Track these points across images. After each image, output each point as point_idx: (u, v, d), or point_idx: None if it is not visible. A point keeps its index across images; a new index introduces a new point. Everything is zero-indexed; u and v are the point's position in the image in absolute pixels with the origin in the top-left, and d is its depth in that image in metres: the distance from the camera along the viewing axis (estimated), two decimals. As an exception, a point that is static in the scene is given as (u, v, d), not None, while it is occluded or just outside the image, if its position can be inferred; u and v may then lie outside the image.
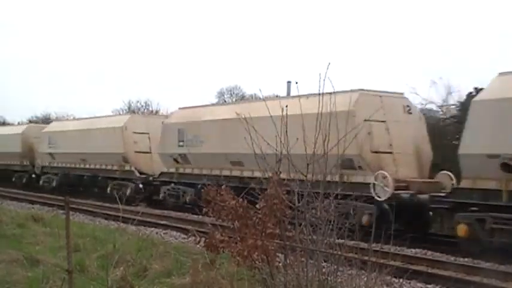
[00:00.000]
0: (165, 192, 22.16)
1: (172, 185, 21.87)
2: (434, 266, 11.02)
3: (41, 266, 8.33)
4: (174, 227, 16.14)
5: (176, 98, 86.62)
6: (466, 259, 11.81)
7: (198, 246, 6.93)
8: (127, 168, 24.62)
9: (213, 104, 26.71)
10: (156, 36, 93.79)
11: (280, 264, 6.16)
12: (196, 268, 7.68)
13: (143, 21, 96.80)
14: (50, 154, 30.10)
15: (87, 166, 27.31)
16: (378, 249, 6.03)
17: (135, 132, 24.68)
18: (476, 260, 11.63)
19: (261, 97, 21.76)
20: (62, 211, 14.96)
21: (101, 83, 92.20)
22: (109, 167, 25.67)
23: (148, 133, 24.67)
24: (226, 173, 18.83)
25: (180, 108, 23.69)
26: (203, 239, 6.24)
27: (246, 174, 17.38)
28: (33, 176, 32.22)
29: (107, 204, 20.48)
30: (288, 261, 6.01)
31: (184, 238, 14.21)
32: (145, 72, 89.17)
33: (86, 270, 8.27)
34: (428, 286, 9.68)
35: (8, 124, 49.77)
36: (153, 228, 15.68)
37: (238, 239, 6.00)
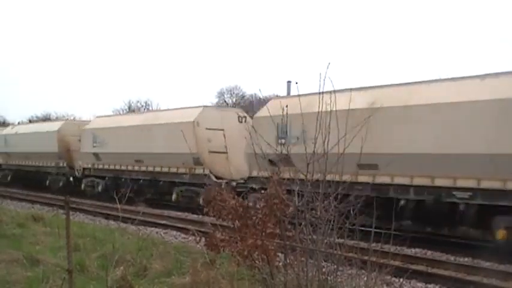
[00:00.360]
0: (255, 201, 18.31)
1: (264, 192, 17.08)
2: (434, 266, 10.99)
3: (41, 266, 8.32)
4: (174, 226, 16.13)
5: (176, 98, 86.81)
6: (466, 259, 11.79)
7: (198, 245, 6.93)
8: (199, 171, 20.43)
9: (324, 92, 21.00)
10: (157, 37, 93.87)
11: (280, 264, 6.16)
12: (196, 268, 7.68)
13: (143, 21, 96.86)
14: (95, 154, 25.90)
15: (144, 169, 23.00)
16: (378, 249, 6.03)
17: (208, 129, 20.41)
18: (476, 260, 11.62)
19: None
20: (62, 211, 14.94)
21: (101, 83, 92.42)
22: (174, 170, 21.49)
23: (223, 129, 20.23)
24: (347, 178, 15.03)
25: (275, 98, 18.80)
26: (203, 238, 6.25)
27: (381, 180, 13.81)
28: (72, 179, 28.14)
29: (107, 204, 20.44)
30: (288, 261, 6.01)
31: (184, 238, 14.20)
32: (145, 72, 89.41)
33: (86, 270, 8.26)
34: (428, 286, 9.67)
35: (8, 124, 49.65)
36: (153, 228, 15.66)
37: (239, 238, 6.00)
